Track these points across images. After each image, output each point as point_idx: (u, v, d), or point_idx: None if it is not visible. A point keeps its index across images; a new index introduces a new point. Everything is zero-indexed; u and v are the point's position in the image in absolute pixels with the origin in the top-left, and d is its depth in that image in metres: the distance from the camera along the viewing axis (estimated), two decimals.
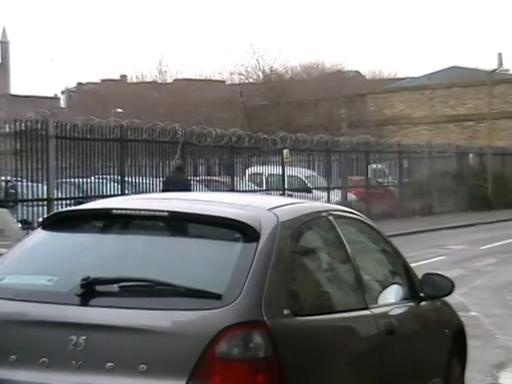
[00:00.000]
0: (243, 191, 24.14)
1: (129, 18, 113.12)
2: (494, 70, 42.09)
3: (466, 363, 6.16)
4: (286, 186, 27.48)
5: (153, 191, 21.12)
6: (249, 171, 27.58)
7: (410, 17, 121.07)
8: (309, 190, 28.24)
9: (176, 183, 17.86)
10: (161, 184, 21.58)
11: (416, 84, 52.78)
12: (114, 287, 3.97)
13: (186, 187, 18.25)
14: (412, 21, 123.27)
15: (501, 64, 41.05)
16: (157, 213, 4.27)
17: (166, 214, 4.24)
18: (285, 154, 27.19)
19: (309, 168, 29.91)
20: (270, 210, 4.38)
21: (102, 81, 61.27)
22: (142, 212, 4.32)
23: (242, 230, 4.12)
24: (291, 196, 25.07)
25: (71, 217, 4.63)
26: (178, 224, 4.33)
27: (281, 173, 27.41)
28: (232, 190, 24.60)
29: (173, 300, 3.89)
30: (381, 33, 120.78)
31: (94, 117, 22.96)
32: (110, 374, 3.79)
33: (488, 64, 49.08)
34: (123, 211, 4.35)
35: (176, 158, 22.78)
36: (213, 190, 23.86)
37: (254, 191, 25.70)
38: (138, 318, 3.84)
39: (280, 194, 25.59)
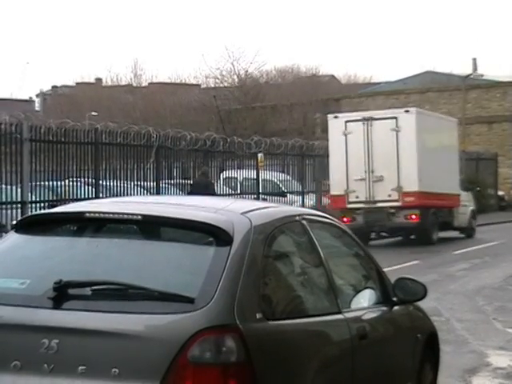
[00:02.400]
0: (217, 195, 24.12)
1: (103, 21, 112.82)
2: (469, 75, 42.40)
3: (438, 368, 6.19)
4: (260, 190, 27.52)
5: (127, 195, 21.09)
6: (223, 175, 27.58)
7: (385, 22, 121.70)
8: (283, 194, 28.29)
9: (200, 186, 20.36)
10: (137, 188, 21.74)
11: (391, 88, 53.01)
12: (87, 291, 3.96)
13: (208, 190, 20.34)
14: (387, 25, 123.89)
15: (475, 69, 41.36)
16: (130, 216, 4.26)
17: (140, 217, 4.25)
18: (259, 158, 27.22)
19: (283, 172, 29.98)
20: (243, 214, 4.38)
21: (77, 84, 60.96)
22: (116, 215, 4.30)
23: (214, 234, 4.12)
24: (266, 200, 25.11)
25: (44, 220, 4.62)
26: (151, 228, 4.34)
27: (255, 177, 27.44)
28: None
29: (145, 304, 3.89)
30: (356, 37, 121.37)
31: (68, 120, 22.91)
32: (82, 378, 3.78)
33: (462, 69, 49.44)
34: (96, 214, 4.34)
35: (201, 164, 24.54)
36: (188, 194, 23.83)
37: (229, 195, 25.70)
38: (111, 322, 3.83)
39: (254, 198, 25.61)
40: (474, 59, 41.01)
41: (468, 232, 25.82)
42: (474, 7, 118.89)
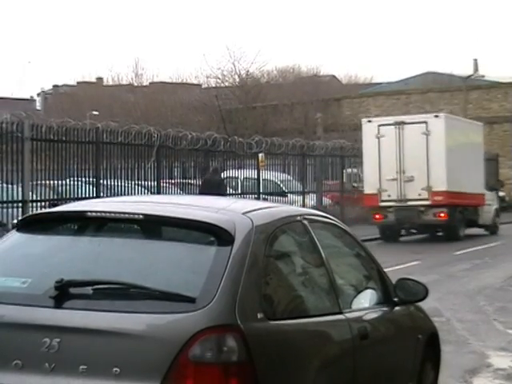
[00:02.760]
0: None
1: (105, 20, 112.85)
2: (470, 76, 42.44)
3: (439, 368, 6.19)
4: (261, 190, 27.52)
5: (128, 194, 21.11)
6: (224, 175, 27.59)
7: (386, 22, 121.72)
8: (284, 194, 28.29)
9: (211, 185, 20.05)
10: (138, 187, 21.76)
11: (391, 89, 53.03)
12: (88, 290, 3.96)
13: (219, 188, 20.06)
14: (388, 26, 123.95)
15: (476, 70, 41.40)
16: (131, 216, 4.26)
17: (141, 217, 4.25)
18: (260, 157, 27.22)
19: (284, 172, 29.99)
20: (244, 213, 4.38)
21: (78, 83, 60.98)
22: (117, 215, 4.30)
23: (216, 234, 4.12)
24: (266, 200, 25.11)
25: (46, 219, 4.61)
26: (152, 227, 4.34)
27: (256, 176, 27.44)
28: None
29: (147, 303, 3.89)
30: (357, 37, 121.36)
31: (69, 119, 22.93)
32: (83, 377, 3.78)
33: (463, 70, 49.42)
34: (98, 214, 4.34)
35: (216, 161, 24.69)
36: (188, 194, 23.84)
37: (230, 195, 25.70)
38: (112, 321, 3.83)
39: (255, 198, 25.61)
40: (475, 60, 41.15)
41: (492, 229, 27.24)
42: (476, 8, 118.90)
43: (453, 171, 24.01)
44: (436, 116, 24.66)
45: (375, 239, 24.10)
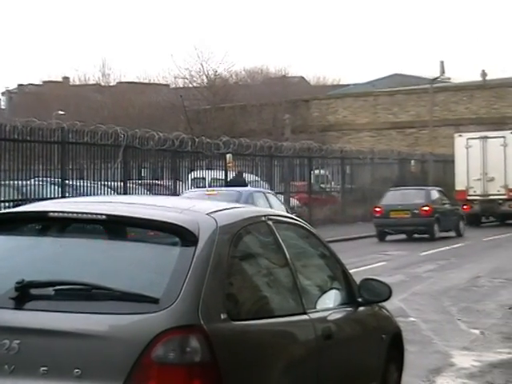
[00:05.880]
0: None
1: (71, 19, 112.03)
2: (436, 78, 42.67)
3: (403, 368, 6.21)
4: None
5: (94, 194, 20.97)
6: (192, 175, 27.53)
7: (354, 24, 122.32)
8: None
9: (235, 185, 22.11)
10: (104, 188, 21.65)
11: (359, 90, 53.27)
12: (50, 290, 3.92)
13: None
14: (356, 27, 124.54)
15: (443, 72, 41.61)
16: (94, 216, 4.23)
17: (104, 217, 4.21)
18: (228, 158, 27.20)
19: (252, 173, 29.97)
20: (208, 214, 4.36)
21: (44, 82, 60.51)
22: (80, 215, 4.26)
23: (180, 234, 4.10)
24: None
25: (8, 219, 4.56)
26: (116, 227, 4.30)
27: (224, 177, 27.41)
28: (174, 194, 24.51)
29: (109, 304, 3.86)
30: (325, 39, 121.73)
31: (34, 119, 22.70)
32: (43, 379, 3.74)
33: (430, 72, 49.72)
34: (60, 214, 4.29)
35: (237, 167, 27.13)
36: (155, 194, 23.75)
37: None
38: (74, 322, 3.80)
39: None
40: (442, 62, 41.19)
41: None
42: (443, 11, 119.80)
43: None
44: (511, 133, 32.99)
45: (342, 240, 24.24)
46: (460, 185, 32.68)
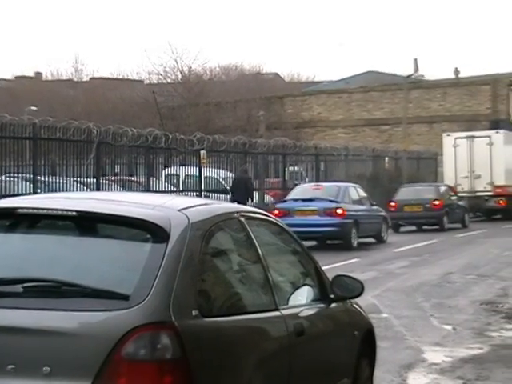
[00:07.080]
0: (159, 192, 23.98)
1: (43, 14, 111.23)
2: (410, 75, 42.84)
3: (375, 364, 6.23)
4: (203, 187, 27.44)
5: (66, 191, 20.81)
6: (165, 172, 27.44)
7: (328, 21, 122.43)
8: (226, 192, 28.25)
9: (240, 182, 23.95)
10: (77, 184, 21.53)
11: (334, 87, 53.36)
12: (18, 288, 3.89)
13: (246, 185, 24.06)
14: (330, 25, 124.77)
15: (417, 69, 41.80)
16: (64, 212, 4.19)
17: (75, 213, 4.17)
18: (202, 155, 27.15)
19: (226, 169, 29.93)
20: (180, 210, 4.34)
21: (16, 77, 60.02)
22: (49, 211, 4.23)
23: (151, 231, 4.08)
24: (208, 197, 25.07)
25: None
26: (86, 224, 4.26)
27: (198, 174, 27.35)
28: (148, 190, 24.42)
29: (79, 301, 3.83)
30: (300, 36, 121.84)
31: (6, 114, 22.47)
32: (11, 377, 3.71)
33: (404, 69, 49.94)
34: (30, 210, 4.26)
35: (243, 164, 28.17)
36: (129, 191, 23.65)
37: (171, 192, 25.57)
38: (42, 320, 3.77)
39: (197, 196, 25.53)
40: (415, 59, 41.36)
41: None
42: (417, 9, 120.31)
43: (509, 171, 33.39)
44: (497, 132, 34.17)
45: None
46: (448, 182, 33.68)
